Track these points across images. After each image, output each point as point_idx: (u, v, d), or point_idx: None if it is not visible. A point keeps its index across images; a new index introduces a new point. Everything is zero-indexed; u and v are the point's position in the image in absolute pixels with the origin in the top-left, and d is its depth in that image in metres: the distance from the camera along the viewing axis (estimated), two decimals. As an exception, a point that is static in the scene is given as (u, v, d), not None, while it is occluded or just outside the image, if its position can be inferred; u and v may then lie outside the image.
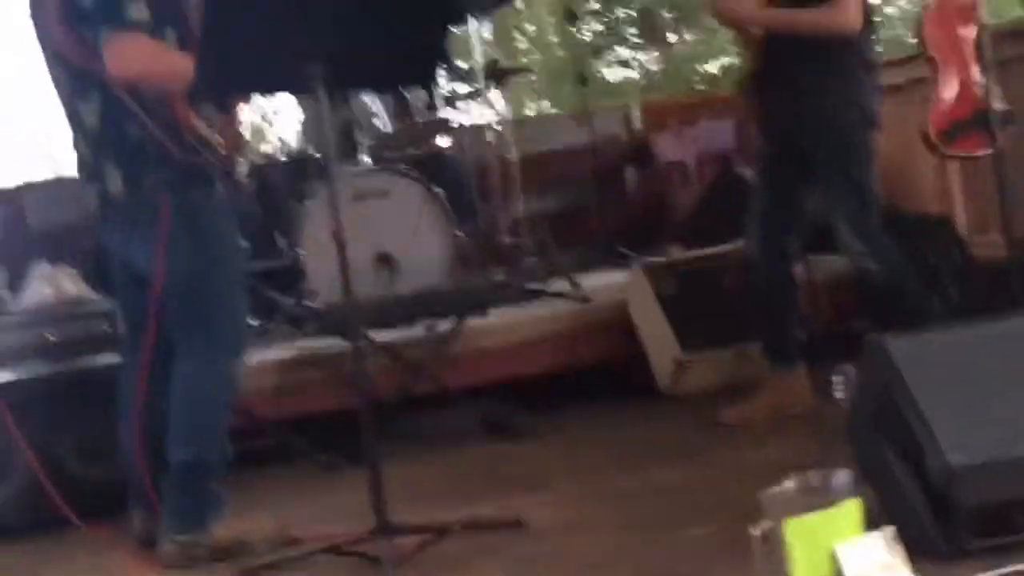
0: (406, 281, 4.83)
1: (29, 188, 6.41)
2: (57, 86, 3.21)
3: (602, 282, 5.66)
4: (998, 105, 3.73)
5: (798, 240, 4.17)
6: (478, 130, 6.01)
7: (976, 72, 3.75)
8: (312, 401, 4.36)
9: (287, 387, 4.38)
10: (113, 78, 2.99)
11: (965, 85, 3.84)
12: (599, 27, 18.34)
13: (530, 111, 16.60)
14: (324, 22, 2.75)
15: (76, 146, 3.19)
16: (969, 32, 3.73)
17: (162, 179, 3.09)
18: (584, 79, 6.39)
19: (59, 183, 6.73)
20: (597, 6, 18.14)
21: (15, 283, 5.11)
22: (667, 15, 16.88)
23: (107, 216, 3.21)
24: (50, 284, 3.91)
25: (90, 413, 3.80)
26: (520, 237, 5.79)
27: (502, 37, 16.82)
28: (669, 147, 6.84)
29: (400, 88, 4.86)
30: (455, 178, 5.53)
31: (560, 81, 14.58)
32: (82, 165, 3.20)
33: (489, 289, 4.46)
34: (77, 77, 3.12)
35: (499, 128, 5.95)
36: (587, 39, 17.80)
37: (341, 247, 2.85)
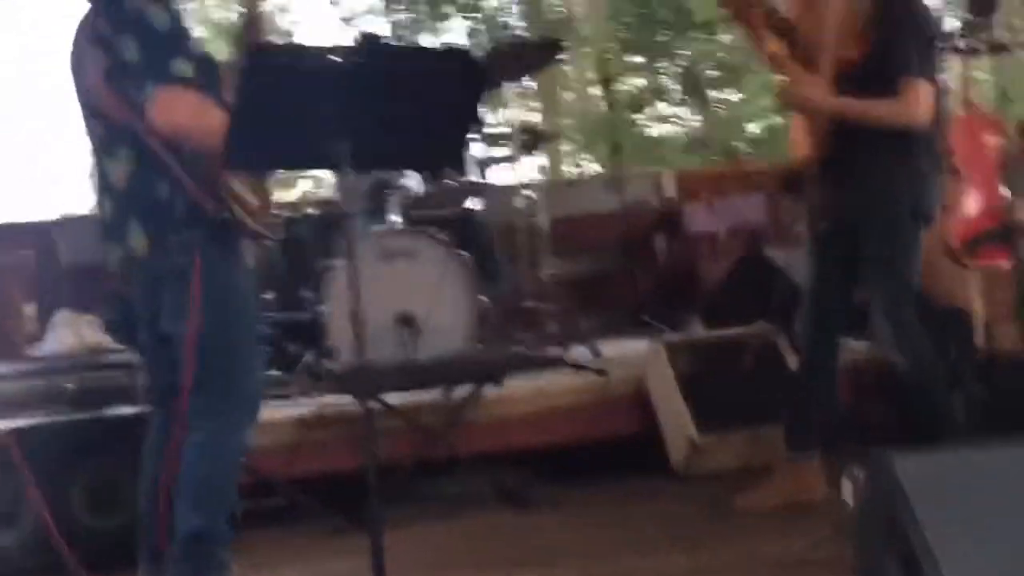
0: (427, 343, 4.84)
1: (61, 223, 6.46)
2: (92, 141, 3.23)
3: (624, 351, 5.65)
4: (1021, 218, 3.74)
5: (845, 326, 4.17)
6: (509, 191, 6.03)
7: (999, 185, 3.74)
8: (325, 461, 4.34)
9: (301, 445, 4.37)
10: (156, 131, 3.00)
11: (988, 197, 3.84)
12: (641, 81, 18.42)
13: (567, 168, 16.69)
14: (352, 102, 2.77)
15: (100, 203, 3.21)
16: (994, 145, 3.73)
17: (188, 239, 3.09)
18: (619, 146, 6.40)
19: (92, 219, 6.78)
20: (640, 60, 18.23)
21: (43, 318, 5.18)
22: (711, 73, 16.98)
23: (130, 274, 3.22)
24: (72, 332, 3.95)
25: (102, 463, 3.84)
26: (544, 301, 5.79)
27: (544, 92, 16.98)
28: (700, 218, 6.82)
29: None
30: (483, 240, 5.55)
31: (598, 139, 14.64)
32: (104, 222, 3.20)
33: (508, 359, 4.46)
34: (110, 134, 3.13)
35: (530, 191, 5.97)
36: (630, 91, 17.94)
37: (358, 310, 2.86)
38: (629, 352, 5.54)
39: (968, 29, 3.62)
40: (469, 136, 3.12)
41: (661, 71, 17.98)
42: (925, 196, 3.92)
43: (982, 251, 3.89)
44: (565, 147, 17.74)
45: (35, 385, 3.89)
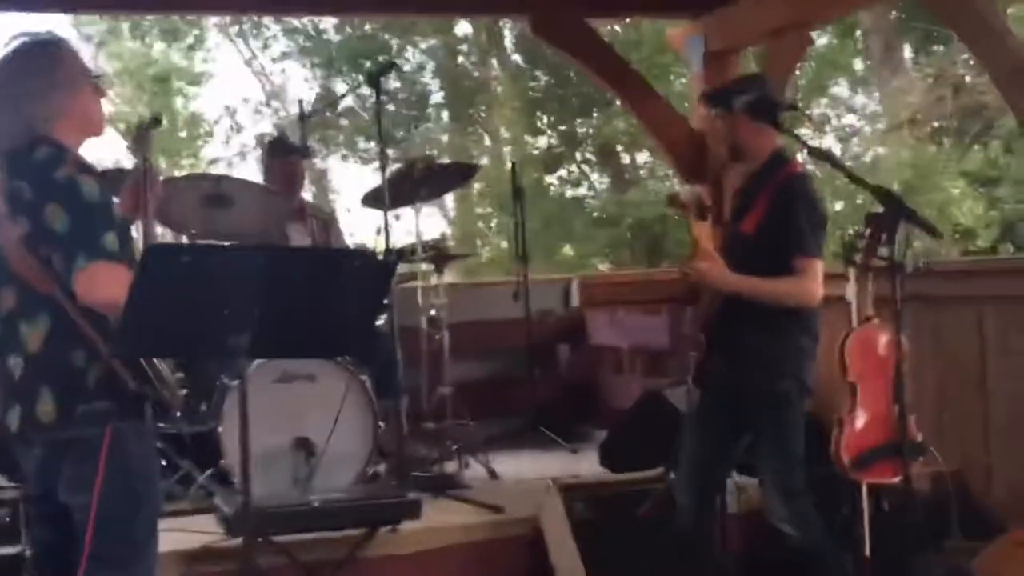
0: (324, 470, 4.78)
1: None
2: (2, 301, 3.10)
3: (521, 470, 5.66)
4: (912, 436, 3.88)
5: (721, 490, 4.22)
6: (412, 294, 5.98)
7: (893, 401, 3.81)
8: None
9: (187, 579, 4.27)
10: (83, 303, 2.91)
11: (881, 413, 3.92)
12: (554, 140, 18.48)
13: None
14: (254, 299, 2.73)
15: (7, 365, 3.07)
16: (891, 362, 3.80)
17: (98, 410, 3.00)
18: (526, 257, 6.40)
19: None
20: (551, 119, 18.28)
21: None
22: (622, 137, 17.11)
23: (29, 438, 3.09)
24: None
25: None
26: (444, 415, 5.74)
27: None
28: (603, 330, 6.86)
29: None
30: (385, 354, 5.46)
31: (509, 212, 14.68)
32: (9, 382, 3.07)
33: (402, 506, 4.39)
34: (28, 299, 3.03)
35: (434, 297, 5.92)
36: (541, 152, 18.00)
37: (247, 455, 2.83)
38: (527, 474, 5.55)
39: (866, 248, 3.70)
40: (374, 324, 3.07)
41: (574, 134, 18.07)
42: (808, 371, 4.02)
43: (872, 467, 3.97)
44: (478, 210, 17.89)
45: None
